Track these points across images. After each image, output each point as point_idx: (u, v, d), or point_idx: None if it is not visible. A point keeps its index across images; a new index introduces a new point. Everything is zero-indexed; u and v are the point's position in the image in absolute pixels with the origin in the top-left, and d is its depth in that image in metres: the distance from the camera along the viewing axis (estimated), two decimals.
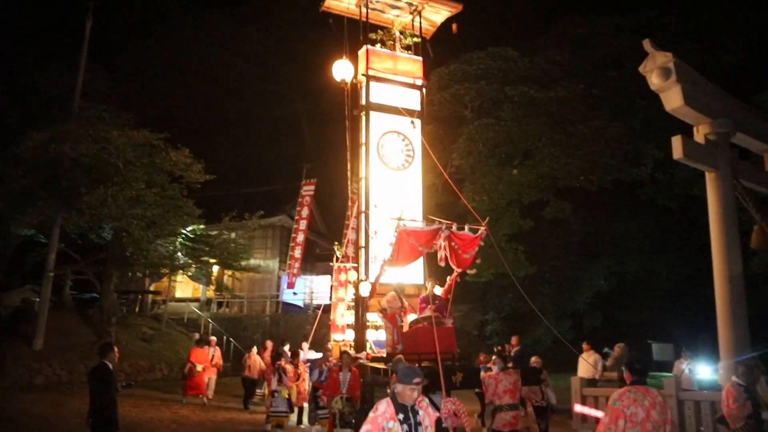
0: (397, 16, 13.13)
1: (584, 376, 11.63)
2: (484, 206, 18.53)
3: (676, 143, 9.82)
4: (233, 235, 21.41)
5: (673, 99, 9.73)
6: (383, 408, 4.10)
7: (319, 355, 12.36)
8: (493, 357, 8.97)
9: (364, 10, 12.70)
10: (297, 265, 22.69)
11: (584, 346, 12.68)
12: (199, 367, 13.70)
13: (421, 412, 4.16)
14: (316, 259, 29.37)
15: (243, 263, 21.22)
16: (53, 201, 15.19)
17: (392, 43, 12.80)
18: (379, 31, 12.86)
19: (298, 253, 22.78)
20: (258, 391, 14.39)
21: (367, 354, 10.51)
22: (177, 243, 18.93)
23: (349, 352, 10.11)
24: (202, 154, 18.01)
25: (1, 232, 16.60)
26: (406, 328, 10.04)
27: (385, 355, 9.96)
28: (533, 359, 10.52)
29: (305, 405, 11.76)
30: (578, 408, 10.40)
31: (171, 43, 28.63)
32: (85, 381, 7.02)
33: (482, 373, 8.80)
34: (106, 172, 15.78)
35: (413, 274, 11.66)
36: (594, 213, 21.84)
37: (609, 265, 21.63)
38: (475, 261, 10.40)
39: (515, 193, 19.87)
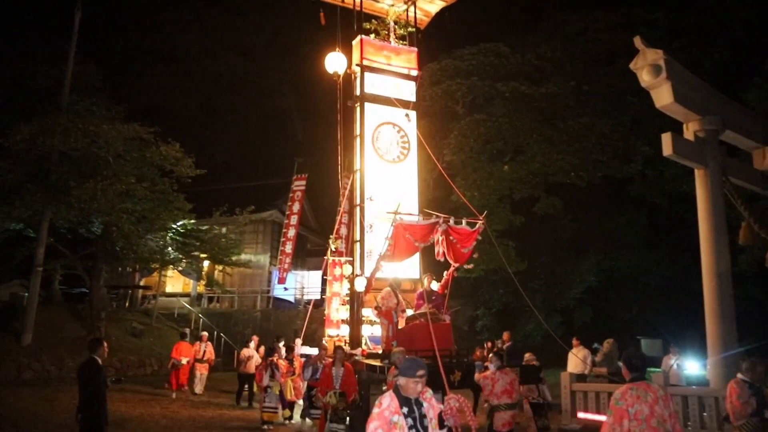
0: (392, 5, 12.96)
1: (574, 371, 11.71)
2: (475, 202, 18.51)
3: (666, 140, 9.89)
4: (224, 230, 21.35)
5: (663, 96, 9.80)
6: (387, 402, 4.02)
7: (313, 350, 12.29)
8: (490, 355, 8.78)
9: None
10: (288, 260, 22.63)
11: (574, 341, 12.75)
12: (184, 361, 13.79)
13: (425, 404, 4.09)
14: (307, 255, 29.36)
15: (234, 258, 21.17)
16: (42, 195, 15.07)
17: (386, 33, 12.68)
18: (373, 21, 12.74)
19: (289, 248, 22.72)
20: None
21: (363, 350, 10.40)
22: (167, 238, 18.86)
23: (343, 347, 9.94)
24: (193, 149, 17.95)
25: None
26: (401, 325, 9.91)
27: (380, 352, 9.87)
28: (527, 356, 10.37)
29: (301, 401, 11.60)
30: (582, 415, 10.33)
31: (162, 36, 28.46)
32: (74, 376, 6.98)
33: (476, 375, 8.60)
34: (95, 166, 15.69)
35: (409, 268, 11.53)
36: (584, 209, 21.93)
37: (599, 261, 21.73)
38: (472, 255, 10.31)
39: (506, 188, 19.92)
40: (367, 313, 10.92)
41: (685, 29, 20.38)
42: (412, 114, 12.30)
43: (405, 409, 3.97)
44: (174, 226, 18.80)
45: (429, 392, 4.19)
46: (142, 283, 24.96)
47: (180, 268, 21.25)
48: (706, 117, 10.33)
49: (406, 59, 12.62)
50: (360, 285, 10.55)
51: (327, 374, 8.87)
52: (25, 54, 18.51)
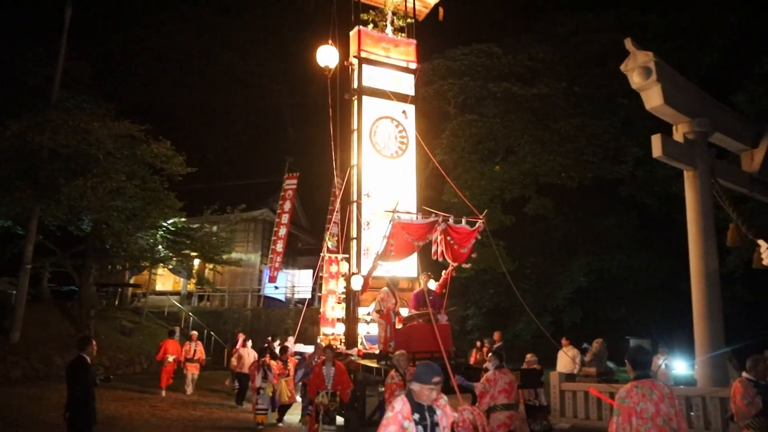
0: None
1: (563, 371, 11.78)
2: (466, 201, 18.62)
3: (656, 141, 9.98)
4: (215, 228, 21.28)
5: (653, 98, 9.90)
6: (400, 406, 3.86)
7: (307, 348, 12.08)
8: (489, 355, 8.53)
9: None
10: (279, 259, 22.64)
11: (564, 341, 12.81)
12: (170, 358, 13.78)
13: (438, 412, 3.92)
14: (298, 254, 29.34)
15: (224, 257, 21.09)
16: (31, 192, 14.96)
17: (384, 24, 12.37)
18: (371, 11, 12.45)
19: (279, 247, 22.73)
20: (228, 382, 14.34)
21: (359, 350, 10.19)
22: (158, 236, 18.77)
23: (332, 346, 9.66)
24: (184, 147, 17.86)
25: None
26: (398, 324, 9.68)
27: (377, 352, 9.67)
28: (528, 357, 9.98)
29: (298, 400, 11.28)
30: (594, 391, 9.99)
31: (153, 34, 28.28)
32: (62, 374, 6.95)
33: (476, 385, 7.81)
34: (85, 163, 15.58)
35: (407, 267, 11.31)
36: (575, 210, 22.06)
37: (589, 262, 21.86)
38: (470, 255, 10.11)
39: (497, 189, 19.99)
40: (363, 312, 10.73)
41: (676, 32, 20.53)
42: (410, 109, 12.02)
43: (417, 416, 3.83)
44: (164, 224, 18.71)
45: (443, 399, 4.01)
46: (132, 282, 24.85)
47: (170, 267, 21.15)
48: (695, 119, 10.44)
49: (405, 51, 12.32)
50: (357, 284, 10.34)
51: (317, 374, 8.63)
52: (16, 50, 18.38)
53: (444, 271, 10.44)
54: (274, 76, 31.85)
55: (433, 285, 10.44)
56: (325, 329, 11.36)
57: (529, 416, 9.06)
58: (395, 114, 11.86)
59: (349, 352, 10.09)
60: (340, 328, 11.13)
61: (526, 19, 24.18)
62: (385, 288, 9.96)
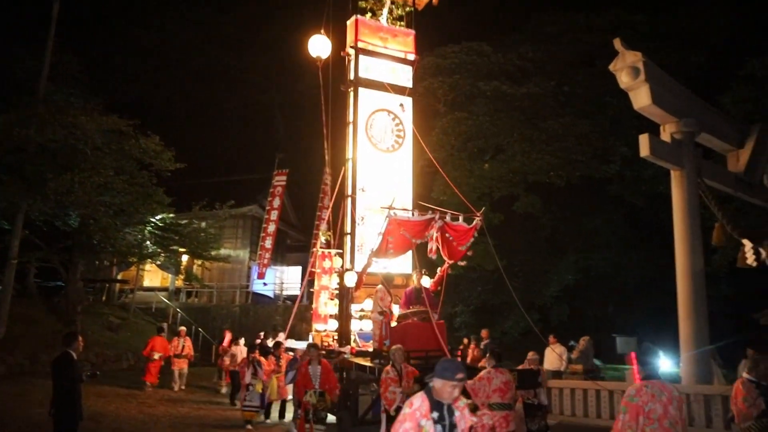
0: None
1: (550, 368, 11.87)
2: (456, 200, 18.64)
3: (643, 141, 10.07)
4: (203, 224, 21.20)
5: (641, 98, 9.98)
6: (418, 403, 3.69)
7: (299, 344, 11.80)
8: (487, 354, 8.02)
9: None
10: (267, 255, 22.61)
11: (551, 338, 12.91)
12: (157, 355, 13.76)
13: (457, 413, 3.75)
14: (287, 250, 29.30)
15: (213, 253, 21.04)
16: (17, 186, 14.82)
17: (381, 13, 12.02)
18: None
19: (268, 243, 22.71)
20: (215, 380, 14.30)
21: (352, 348, 10.00)
22: (146, 231, 18.68)
23: (316, 344, 9.59)
24: (174, 142, 17.76)
25: None
26: (393, 322, 9.51)
27: (371, 350, 9.51)
28: (530, 355, 9.46)
29: (289, 398, 10.98)
30: (630, 373, 9.83)
31: (140, 28, 28.08)
32: (48, 371, 6.91)
33: (468, 383, 7.44)
34: (73, 158, 15.44)
35: (401, 263, 11.10)
36: (563, 208, 22.17)
37: (576, 260, 21.99)
38: (467, 253, 9.96)
39: (486, 187, 20.04)
40: (356, 308, 10.59)
41: (664, 33, 20.69)
42: (407, 102, 11.79)
43: (435, 414, 3.65)
44: (153, 219, 18.62)
45: (463, 400, 3.87)
46: (119, 277, 24.71)
47: (158, 262, 21.06)
48: (682, 119, 10.53)
49: (403, 42, 12.01)
50: (350, 280, 10.13)
51: (304, 373, 8.44)
52: (1, 42, 18.15)
53: (439, 269, 10.29)
54: (264, 72, 31.77)
55: (427, 282, 10.28)
56: (317, 326, 11.17)
57: (528, 415, 8.85)
58: (392, 107, 11.60)
59: (342, 349, 9.91)
60: (333, 325, 10.92)
61: (515, 19, 24.26)
62: (381, 286, 9.77)
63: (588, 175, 20.02)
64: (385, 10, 12.04)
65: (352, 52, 11.55)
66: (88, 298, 21.81)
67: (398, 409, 7.41)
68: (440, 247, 9.68)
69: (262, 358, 10.54)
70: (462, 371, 3.69)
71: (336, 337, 10.62)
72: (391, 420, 7.35)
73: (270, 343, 12.59)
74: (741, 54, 17.26)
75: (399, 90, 11.66)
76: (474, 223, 9.90)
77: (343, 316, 10.47)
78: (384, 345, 8.92)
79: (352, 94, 11.42)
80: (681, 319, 10.20)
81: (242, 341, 13.81)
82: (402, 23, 12.26)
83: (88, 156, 15.41)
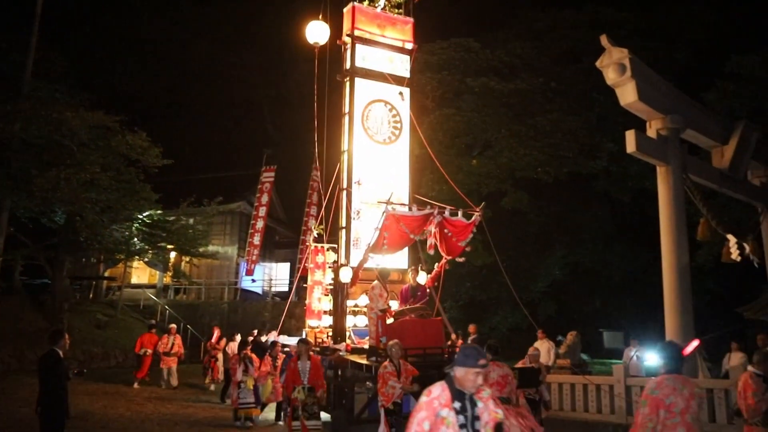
0: None
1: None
2: (444, 195, 18.69)
3: (630, 137, 10.14)
4: (191, 221, 21.11)
5: (627, 94, 10.05)
6: (438, 392, 3.47)
7: (291, 340, 11.59)
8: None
9: None
10: (256, 252, 22.56)
11: (539, 333, 13.00)
12: (142, 350, 13.85)
13: (480, 404, 3.50)
14: (276, 247, 29.24)
15: (201, 249, 20.97)
16: (1, 183, 14.68)
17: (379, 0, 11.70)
18: None
19: (257, 239, 22.65)
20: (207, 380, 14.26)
21: (347, 345, 9.80)
22: (133, 228, 18.58)
23: (307, 339, 9.40)
24: (161, 138, 17.67)
25: None
26: (389, 319, 9.24)
27: (367, 347, 9.29)
28: (531, 350, 9.33)
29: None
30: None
31: (128, 23, 27.82)
32: (34, 369, 6.86)
33: None
34: (58, 155, 15.32)
35: (397, 258, 10.81)
36: (550, 204, 22.28)
37: (564, 255, 22.13)
38: (465, 249, 9.72)
39: (474, 183, 20.09)
40: (352, 304, 10.43)
41: (650, 30, 20.82)
42: (406, 92, 11.51)
43: (457, 404, 3.42)
44: (140, 216, 18.53)
45: (487, 391, 3.62)
46: (106, 274, 24.52)
47: (146, 259, 20.96)
48: (668, 116, 10.62)
49: (401, 30, 11.65)
50: (346, 276, 9.90)
51: (293, 369, 8.26)
52: None
53: (436, 264, 10.07)
54: (252, 69, 31.58)
55: (423, 278, 10.09)
56: (310, 322, 10.94)
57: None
58: (389, 97, 11.31)
59: (337, 346, 9.71)
60: (327, 321, 10.73)
61: (503, 15, 24.29)
62: (377, 282, 9.50)
63: (575, 171, 20.14)
64: None
65: (348, 40, 11.26)
66: (75, 295, 21.67)
67: (396, 404, 7.36)
68: (438, 243, 9.47)
69: (254, 356, 10.32)
70: (484, 356, 3.51)
71: (330, 334, 10.42)
72: (390, 414, 7.31)
73: (264, 339, 12.48)
74: (725, 51, 17.44)
75: (397, 80, 11.38)
76: (473, 218, 9.71)
77: (338, 312, 10.23)
78: (381, 342, 8.71)
79: (348, 84, 11.13)
80: (667, 314, 10.31)
81: (238, 338, 13.57)
82: (400, 11, 11.97)
83: (74, 152, 15.30)
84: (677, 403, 4.17)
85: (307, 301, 11.21)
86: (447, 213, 9.53)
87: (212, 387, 14.05)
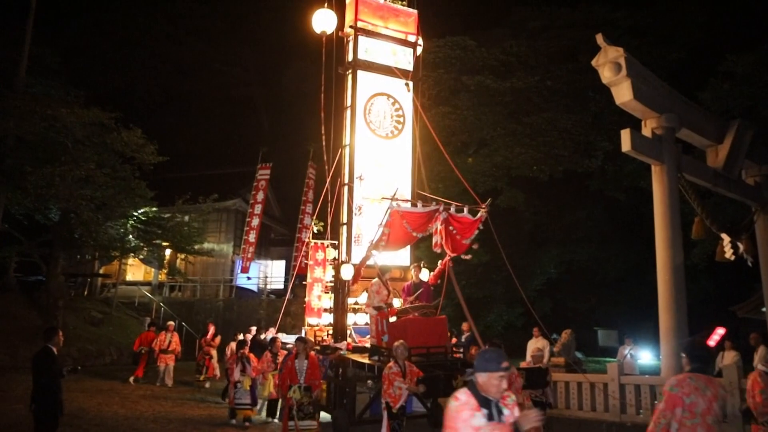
0: None
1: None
2: (439, 194, 18.64)
3: (625, 136, 10.14)
4: (186, 218, 21.08)
5: (623, 93, 10.05)
6: (465, 397, 3.29)
7: (289, 337, 11.49)
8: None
9: None
10: (251, 249, 22.54)
11: (534, 331, 13.03)
12: (139, 348, 13.98)
13: (507, 411, 3.29)
14: (271, 244, 29.22)
15: (196, 247, 20.94)
16: None
17: None
18: None
19: (252, 237, 22.62)
20: (197, 376, 14.22)
21: (348, 344, 9.66)
22: (128, 225, 18.53)
23: (305, 338, 9.23)
24: (156, 135, 17.62)
25: None
26: (392, 317, 9.07)
27: (368, 346, 9.16)
28: (534, 350, 9.24)
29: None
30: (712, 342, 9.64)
31: (123, 20, 27.70)
32: (28, 366, 6.84)
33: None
34: (53, 151, 15.27)
35: (399, 255, 10.66)
36: (545, 202, 22.34)
37: (559, 254, 22.19)
38: (471, 246, 9.52)
39: (470, 181, 20.04)
40: (353, 302, 10.33)
41: (645, 29, 20.85)
42: (410, 86, 11.27)
43: (485, 411, 3.24)
44: (135, 213, 18.49)
45: (511, 398, 3.40)
46: (101, 271, 24.49)
47: (141, 257, 20.91)
48: (663, 115, 10.63)
49: (405, 22, 11.49)
50: (347, 273, 9.76)
51: (290, 367, 8.11)
52: None
53: (440, 262, 9.87)
54: (246, 66, 31.53)
55: (425, 275, 9.93)
56: (310, 319, 10.80)
57: None
58: (392, 90, 11.13)
59: (338, 345, 9.58)
60: (326, 319, 10.59)
61: (498, 14, 24.30)
62: (377, 279, 9.36)
63: (570, 169, 20.18)
64: None
65: (351, 32, 11.08)
66: (70, 292, 21.60)
67: (402, 408, 7.21)
68: (443, 241, 9.27)
69: (252, 355, 10.20)
70: (506, 359, 3.31)
71: (330, 332, 10.29)
72: (393, 417, 7.14)
73: (263, 336, 12.42)
74: (719, 50, 17.48)
75: (400, 74, 11.20)
76: (479, 215, 9.53)
77: (339, 310, 10.08)
78: (382, 341, 8.61)
79: (350, 77, 10.95)
80: (661, 312, 10.33)
81: (240, 336, 13.20)
82: (404, 2, 11.81)
83: (68, 149, 15.25)
84: (698, 403, 4.06)
85: (306, 299, 11.06)
86: (453, 209, 9.35)
87: (207, 384, 14.01)
